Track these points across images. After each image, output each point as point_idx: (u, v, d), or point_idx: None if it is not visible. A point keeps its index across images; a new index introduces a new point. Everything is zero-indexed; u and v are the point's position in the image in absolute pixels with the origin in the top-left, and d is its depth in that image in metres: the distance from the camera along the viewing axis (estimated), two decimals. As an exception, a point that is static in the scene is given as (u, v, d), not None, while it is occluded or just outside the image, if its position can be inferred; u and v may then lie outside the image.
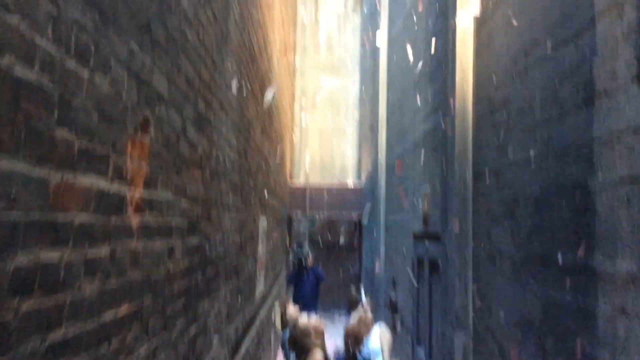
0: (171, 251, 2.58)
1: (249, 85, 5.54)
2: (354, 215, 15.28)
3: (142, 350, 2.16)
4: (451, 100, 5.62)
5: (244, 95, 5.16)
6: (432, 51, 7.05)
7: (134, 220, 2.06)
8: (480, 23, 5.30)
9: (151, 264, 2.27)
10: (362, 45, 16.52)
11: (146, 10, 2.17)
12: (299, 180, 15.90)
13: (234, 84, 4.36)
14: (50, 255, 1.42)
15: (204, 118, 3.33)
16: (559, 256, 3.42)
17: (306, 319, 4.70)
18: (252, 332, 6.05)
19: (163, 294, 2.46)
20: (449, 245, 5.68)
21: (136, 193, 2.08)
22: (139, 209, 2.11)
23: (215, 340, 3.79)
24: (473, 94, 5.39)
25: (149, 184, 2.24)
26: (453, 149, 5.51)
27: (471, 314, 5.20)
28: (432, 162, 7.00)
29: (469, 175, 5.34)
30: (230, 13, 4.32)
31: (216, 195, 3.78)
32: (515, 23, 4.36)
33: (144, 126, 2.18)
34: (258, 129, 6.47)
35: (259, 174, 6.65)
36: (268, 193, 8.00)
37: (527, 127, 4.05)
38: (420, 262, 7.72)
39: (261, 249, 7.01)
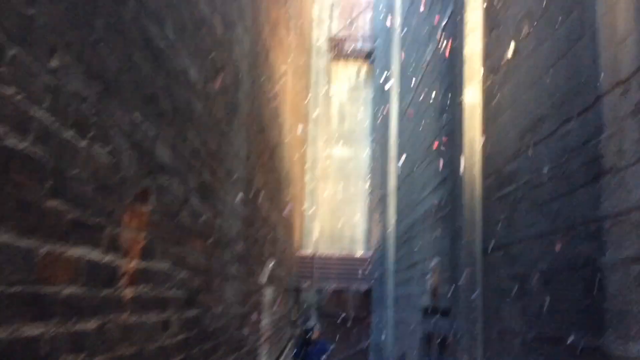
0: (166, 324, 2.51)
1: (258, 154, 5.59)
2: (363, 287, 15.03)
3: None
4: (460, 174, 5.61)
5: (252, 164, 5.19)
6: (442, 125, 7.12)
7: (127, 292, 2.01)
8: (487, 98, 5.36)
9: (144, 337, 2.20)
10: (373, 117, 16.78)
11: (152, 82, 2.20)
12: (308, 250, 15.78)
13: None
14: (33, 329, 1.37)
15: (208, 187, 3.32)
16: (571, 336, 3.30)
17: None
18: (253, 409, 5.83)
19: (156, 369, 2.37)
20: (459, 321, 5.52)
21: (131, 264, 2.04)
22: (133, 280, 2.07)
23: (212, 418, 3.64)
24: (481, 167, 5.39)
25: (146, 254, 2.20)
26: (462, 222, 5.46)
27: (481, 395, 4.99)
28: (442, 234, 6.92)
29: (478, 249, 5.26)
30: (240, 84, 4.40)
31: (218, 265, 3.73)
32: (521, 100, 4.40)
33: (143, 196, 2.16)
34: (266, 198, 6.47)
35: (265, 243, 6.59)
36: (275, 263, 7.91)
37: (536, 202, 4.01)
38: (429, 338, 7.50)
39: (265, 320, 6.85)
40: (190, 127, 2.82)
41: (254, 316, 5.66)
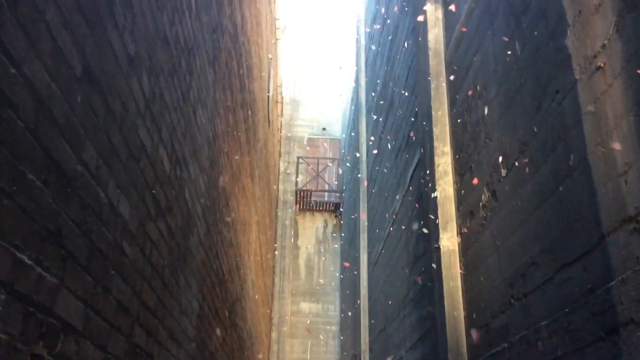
0: None
1: (214, 310, 4.93)
2: None
3: None
4: (441, 328, 5.02)
5: (206, 322, 4.52)
6: (416, 278, 6.63)
7: None
8: (466, 244, 4.95)
9: None
10: (342, 270, 16.24)
11: (56, 213, 1.68)
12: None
13: None
14: None
15: (142, 352, 2.67)
16: None
17: None
18: None
19: None
20: None
21: None
22: None
23: None
24: (465, 321, 4.82)
25: None
26: (447, 386, 4.75)
27: None
28: (423, 400, 6.12)
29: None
30: (194, 229, 3.90)
31: None
32: (506, 245, 3.98)
33: (29, 370, 1.55)
34: (223, 361, 5.68)
35: (221, 415, 5.68)
36: None
37: (536, 363, 3.42)
38: None
39: None
40: (116, 275, 2.26)
41: None
